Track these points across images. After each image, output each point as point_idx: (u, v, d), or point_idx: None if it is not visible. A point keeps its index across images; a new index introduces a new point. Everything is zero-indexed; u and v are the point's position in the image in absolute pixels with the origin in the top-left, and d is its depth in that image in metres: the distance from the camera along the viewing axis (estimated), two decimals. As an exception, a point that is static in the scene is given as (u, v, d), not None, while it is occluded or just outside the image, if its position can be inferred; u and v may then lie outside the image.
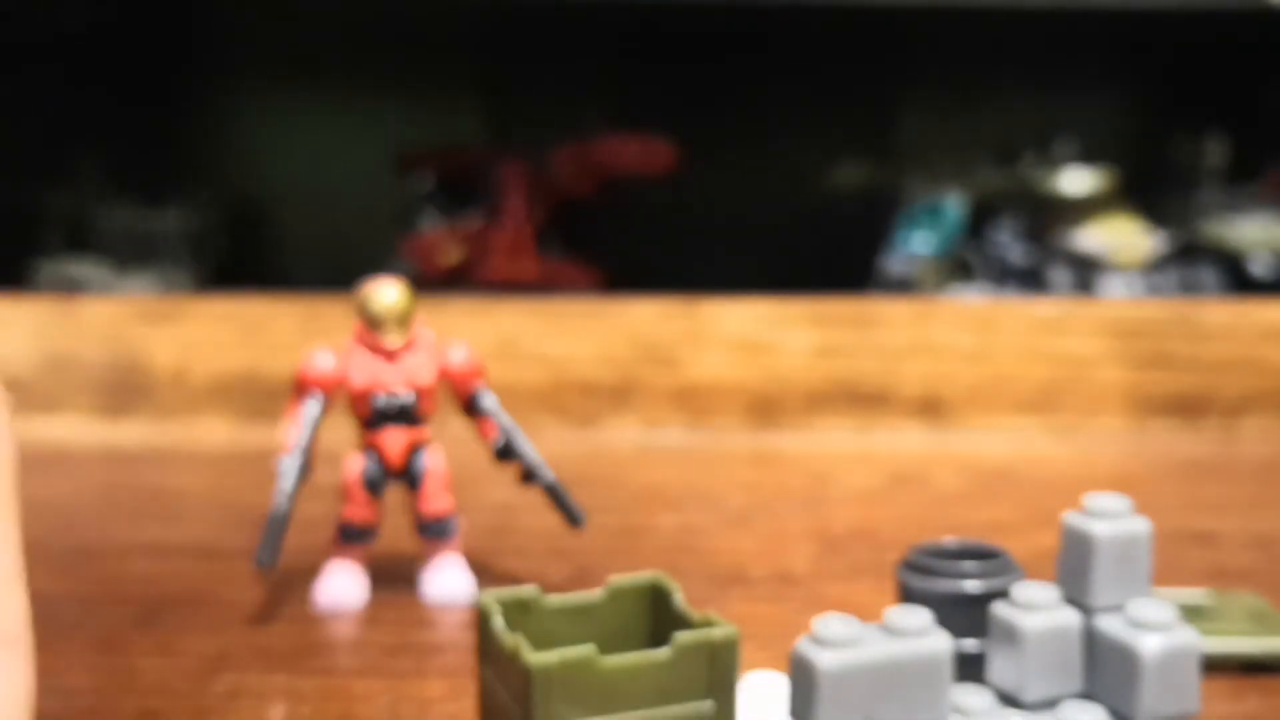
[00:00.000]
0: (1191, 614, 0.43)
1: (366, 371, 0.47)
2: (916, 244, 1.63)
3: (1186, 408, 0.67)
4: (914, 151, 1.74)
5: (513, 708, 0.32)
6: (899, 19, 1.65)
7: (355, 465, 0.47)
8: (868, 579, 0.48)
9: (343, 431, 0.48)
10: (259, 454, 0.54)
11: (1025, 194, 1.66)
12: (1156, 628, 0.34)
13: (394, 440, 0.47)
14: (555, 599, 0.35)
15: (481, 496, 0.54)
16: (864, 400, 0.68)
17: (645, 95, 1.64)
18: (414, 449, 0.48)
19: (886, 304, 0.72)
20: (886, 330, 0.69)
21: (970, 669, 0.36)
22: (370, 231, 1.47)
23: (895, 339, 0.69)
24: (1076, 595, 0.35)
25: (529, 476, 0.48)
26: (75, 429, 0.66)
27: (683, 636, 0.32)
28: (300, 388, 0.47)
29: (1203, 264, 1.59)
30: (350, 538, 0.47)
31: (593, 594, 0.35)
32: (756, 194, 1.68)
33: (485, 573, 0.49)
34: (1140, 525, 0.35)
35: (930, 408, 0.67)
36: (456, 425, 0.50)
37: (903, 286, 1.59)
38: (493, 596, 0.34)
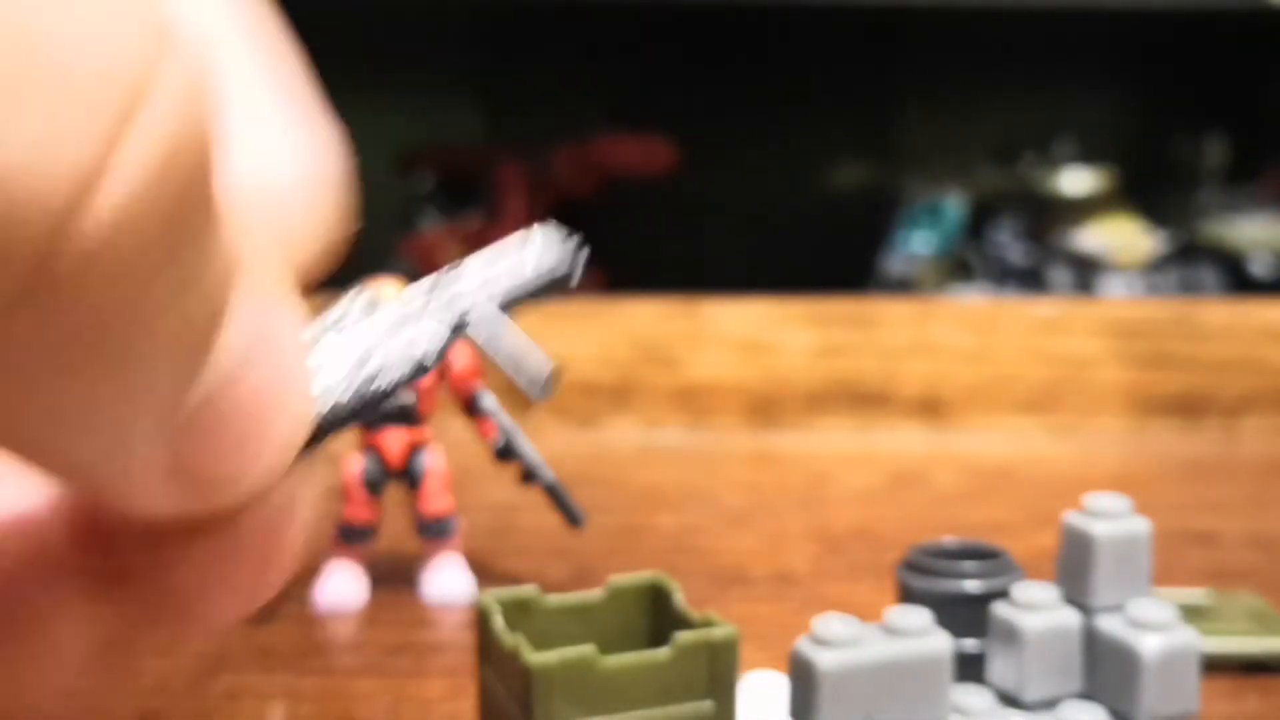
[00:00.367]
0: (1191, 614, 0.43)
1: (366, 371, 0.47)
2: (916, 244, 1.63)
3: (1186, 408, 0.67)
4: (914, 151, 1.74)
5: (513, 708, 0.32)
6: (899, 19, 1.65)
7: (355, 465, 0.47)
8: (868, 579, 0.48)
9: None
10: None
11: (1025, 194, 1.66)
12: (1156, 628, 0.34)
13: (394, 440, 0.47)
14: (555, 599, 0.35)
15: (481, 496, 0.54)
16: (864, 400, 0.68)
17: (645, 95, 1.64)
18: (414, 449, 0.48)
19: (886, 304, 0.72)
20: (886, 330, 0.69)
21: (970, 669, 0.36)
22: (370, 231, 1.47)
23: (895, 339, 0.69)
24: (1076, 595, 0.35)
25: (529, 476, 0.48)
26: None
27: (683, 636, 0.32)
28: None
29: (1203, 264, 1.59)
30: (350, 538, 0.47)
31: (593, 594, 0.35)
32: (756, 194, 1.68)
33: (485, 573, 0.49)
34: (1140, 525, 0.35)
35: (930, 408, 0.67)
36: (456, 425, 0.50)
37: (903, 286, 1.59)
38: (493, 596, 0.34)
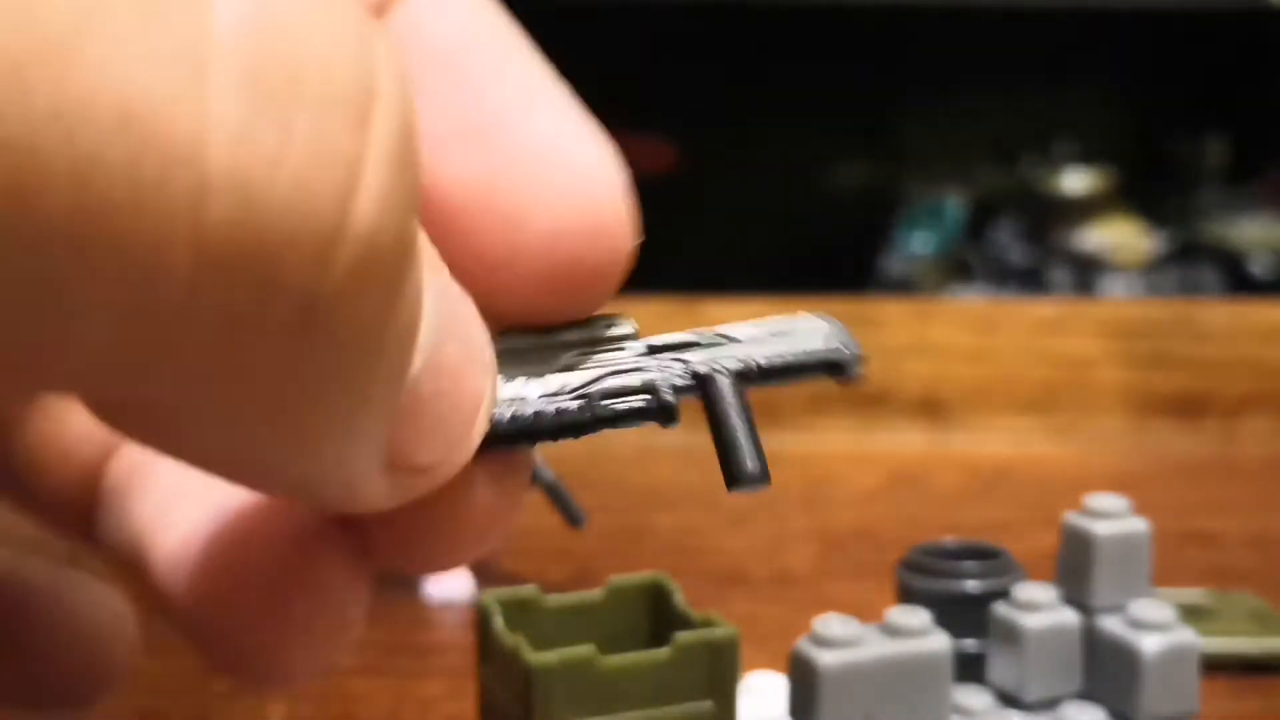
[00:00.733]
0: (1191, 614, 0.43)
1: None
2: (916, 244, 1.63)
3: (1186, 408, 0.67)
4: (914, 151, 1.74)
5: (513, 708, 0.32)
6: (899, 19, 1.65)
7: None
8: (868, 579, 0.48)
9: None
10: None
11: (1025, 194, 1.66)
12: (1156, 628, 0.34)
13: (394, 440, 0.47)
14: (555, 599, 0.35)
15: (481, 496, 0.54)
16: (864, 400, 0.68)
17: (645, 95, 1.64)
18: (414, 449, 0.47)
19: (886, 304, 0.72)
20: (886, 330, 0.69)
21: (970, 669, 0.36)
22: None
23: (895, 339, 0.69)
24: (1076, 595, 0.35)
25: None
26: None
27: (683, 636, 0.32)
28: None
29: (1203, 264, 1.59)
30: (350, 538, 0.47)
31: (593, 594, 0.35)
32: (756, 194, 1.68)
33: (485, 573, 0.49)
34: (1140, 525, 0.35)
35: (930, 408, 0.67)
36: (456, 425, 0.50)
37: (903, 286, 1.59)
38: (493, 596, 0.34)
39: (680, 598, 0.34)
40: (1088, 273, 1.58)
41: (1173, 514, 0.53)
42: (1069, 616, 0.35)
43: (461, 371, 0.18)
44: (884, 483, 0.61)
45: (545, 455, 0.48)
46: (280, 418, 0.16)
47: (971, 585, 0.37)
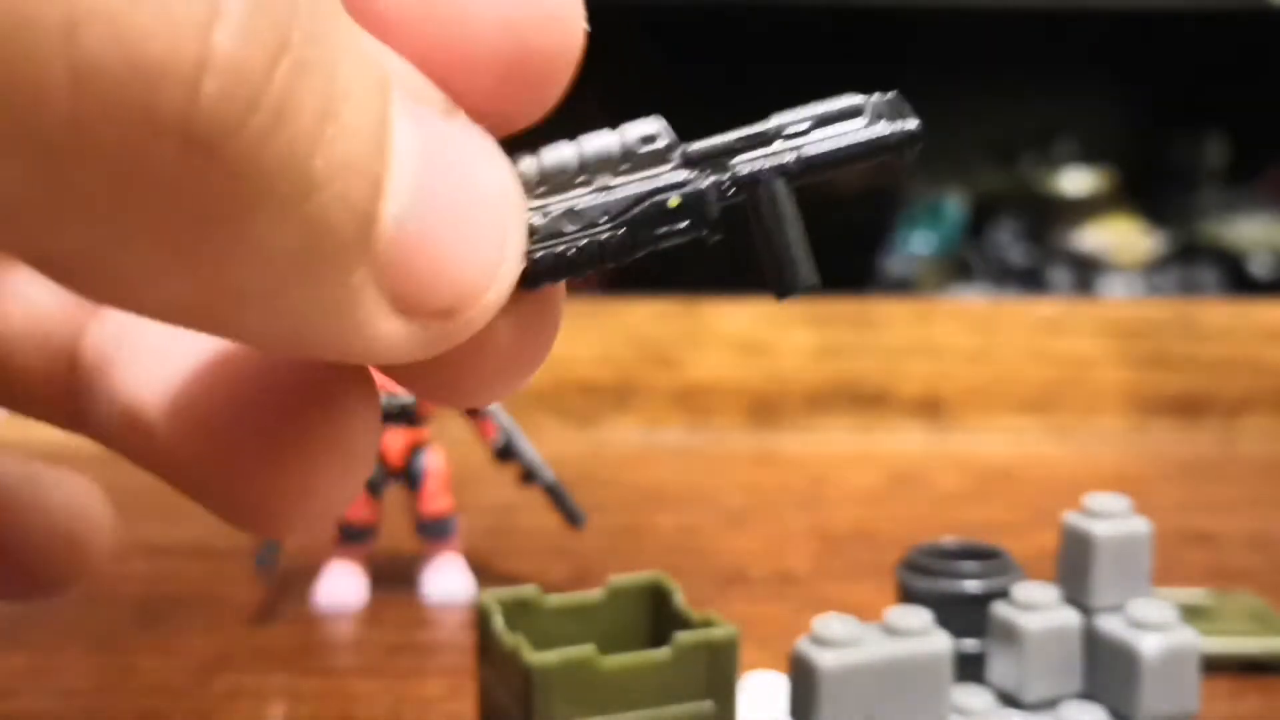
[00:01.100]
0: (1191, 614, 0.43)
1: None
2: (916, 244, 1.63)
3: (1186, 408, 0.67)
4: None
5: (513, 708, 0.32)
6: (899, 19, 1.65)
7: (355, 465, 0.47)
8: (868, 579, 0.48)
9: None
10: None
11: (1025, 194, 1.66)
12: (1156, 628, 0.34)
13: (394, 440, 0.47)
14: (555, 599, 0.35)
15: (481, 496, 0.54)
16: (864, 400, 0.68)
17: (645, 95, 1.64)
18: (414, 449, 0.48)
19: (886, 304, 0.72)
20: (886, 330, 0.69)
21: (970, 669, 0.36)
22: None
23: (895, 339, 0.69)
24: (1076, 595, 0.35)
25: (529, 476, 0.48)
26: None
27: (683, 636, 0.32)
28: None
29: (1203, 264, 1.59)
30: (350, 538, 0.47)
31: (593, 594, 0.35)
32: (756, 194, 1.67)
33: (485, 573, 0.49)
34: (1140, 525, 0.35)
35: (930, 408, 0.68)
36: (456, 425, 0.50)
37: (903, 286, 1.59)
38: (493, 596, 0.34)
39: (680, 598, 0.34)
40: (1088, 273, 1.58)
41: (1173, 514, 0.53)
42: (1069, 616, 0.35)
43: (464, 210, 0.18)
44: (884, 483, 0.61)
45: (545, 455, 0.48)
46: (210, 260, 0.16)
47: (971, 585, 0.37)
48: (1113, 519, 0.35)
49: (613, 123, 0.20)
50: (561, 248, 0.19)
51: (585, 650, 0.31)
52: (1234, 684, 0.41)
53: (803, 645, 0.32)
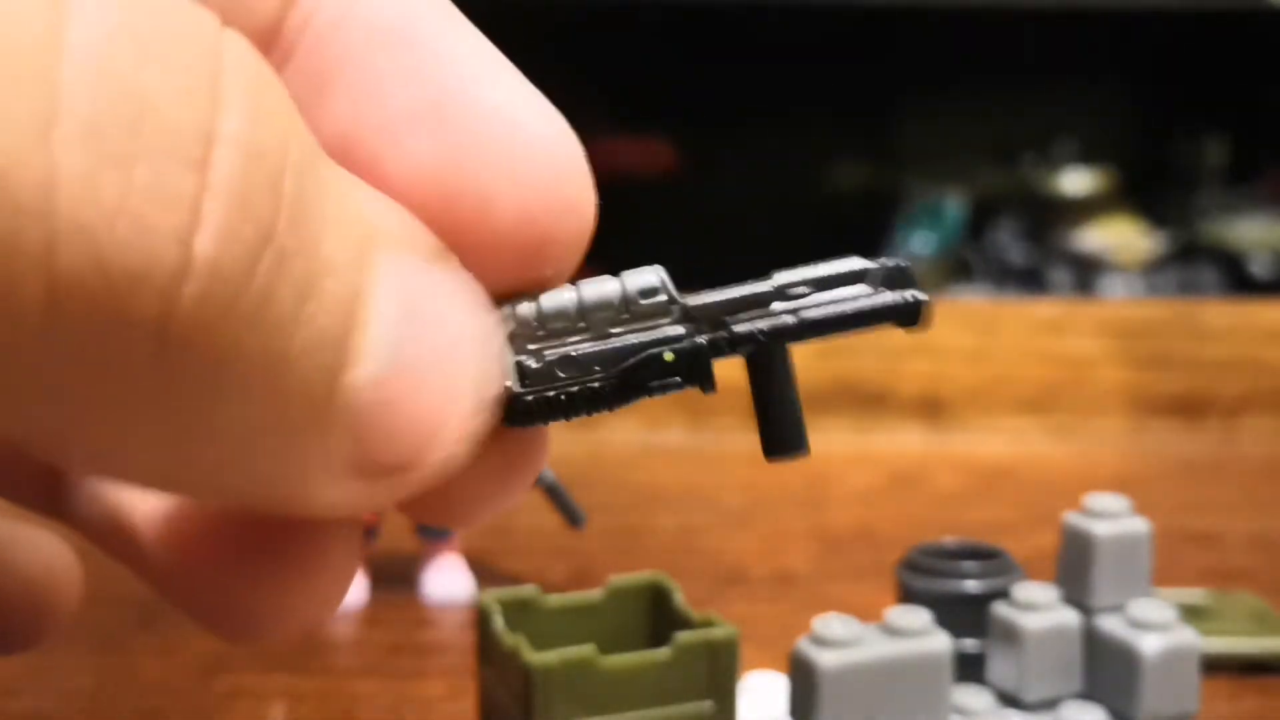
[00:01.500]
0: (1191, 614, 0.43)
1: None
2: (916, 244, 1.63)
3: (1186, 408, 0.67)
4: (914, 151, 1.74)
5: (513, 708, 0.32)
6: (899, 19, 1.65)
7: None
8: (868, 579, 0.48)
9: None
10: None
11: (1025, 194, 1.66)
12: (1156, 628, 0.34)
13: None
14: (555, 599, 0.35)
15: (481, 496, 0.54)
16: (864, 400, 0.68)
17: (645, 95, 1.64)
18: (414, 449, 0.47)
19: (886, 304, 0.72)
20: (886, 330, 0.69)
21: (970, 669, 0.36)
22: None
23: (895, 339, 0.69)
24: (1076, 595, 0.35)
25: (529, 476, 0.48)
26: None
27: (683, 636, 0.32)
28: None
29: (1203, 264, 1.59)
30: (350, 538, 0.47)
31: (593, 594, 0.35)
32: (756, 194, 1.68)
33: (485, 573, 0.49)
34: (1140, 525, 0.35)
35: (930, 408, 0.67)
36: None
37: (903, 287, 1.58)
38: (493, 596, 0.34)
39: (680, 598, 0.34)
40: (1088, 273, 1.58)
41: (1173, 514, 0.53)
42: (1069, 616, 0.35)
43: (435, 368, 0.18)
44: (884, 483, 0.61)
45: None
46: (178, 439, 0.16)
47: (971, 585, 0.37)
48: (1113, 519, 0.35)
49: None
50: (552, 393, 0.19)
51: (585, 650, 0.31)
52: (1234, 684, 0.41)
53: (803, 645, 0.32)
